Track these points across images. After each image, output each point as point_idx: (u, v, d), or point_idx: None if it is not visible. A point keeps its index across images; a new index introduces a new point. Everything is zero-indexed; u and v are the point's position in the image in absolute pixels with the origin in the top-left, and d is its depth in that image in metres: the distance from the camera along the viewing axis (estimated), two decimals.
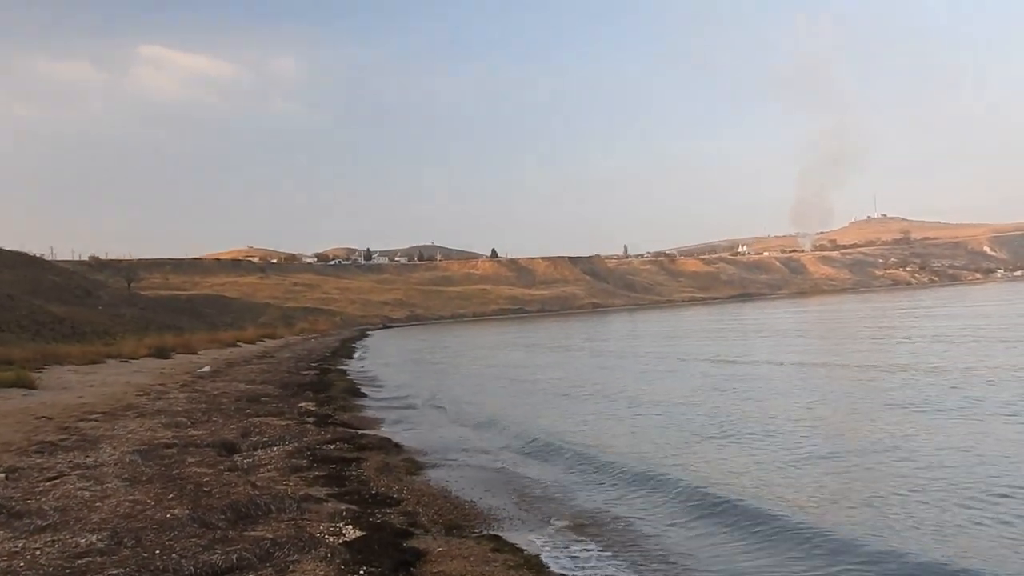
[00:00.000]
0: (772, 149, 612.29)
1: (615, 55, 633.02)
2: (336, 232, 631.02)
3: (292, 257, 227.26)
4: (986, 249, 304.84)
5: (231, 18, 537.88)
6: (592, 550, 9.12)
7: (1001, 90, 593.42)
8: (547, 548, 9.13)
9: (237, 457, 13.16)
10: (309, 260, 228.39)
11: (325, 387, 29.18)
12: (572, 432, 16.93)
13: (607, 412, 19.73)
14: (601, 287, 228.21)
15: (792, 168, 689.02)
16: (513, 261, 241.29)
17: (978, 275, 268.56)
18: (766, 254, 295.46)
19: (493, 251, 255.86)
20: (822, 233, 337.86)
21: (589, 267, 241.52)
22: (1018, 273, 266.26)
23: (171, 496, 9.87)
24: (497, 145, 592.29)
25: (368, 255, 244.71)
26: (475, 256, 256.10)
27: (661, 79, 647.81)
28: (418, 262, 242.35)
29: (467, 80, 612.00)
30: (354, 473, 12.42)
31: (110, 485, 10.44)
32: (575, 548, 9.20)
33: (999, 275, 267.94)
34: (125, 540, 7.99)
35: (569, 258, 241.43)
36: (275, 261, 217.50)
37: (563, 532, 9.84)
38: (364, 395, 27.70)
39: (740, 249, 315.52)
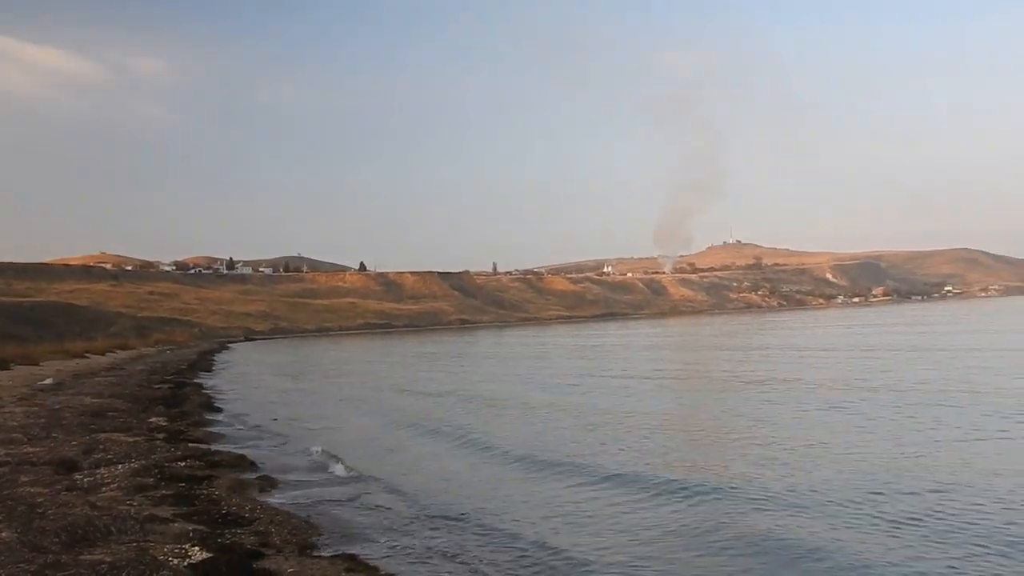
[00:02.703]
0: (639, 172, 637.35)
1: (484, 69, 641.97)
2: (197, 240, 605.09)
3: (148, 264, 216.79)
4: (829, 276, 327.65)
5: (93, 16, 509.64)
6: (449, 570, 9.08)
7: (844, 125, 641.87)
8: (403, 567, 9.04)
9: (77, 476, 12.39)
10: (167, 268, 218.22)
11: (179, 401, 28.02)
12: (434, 455, 16.99)
13: (462, 425, 19.93)
14: (470, 303, 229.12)
15: (658, 192, 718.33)
16: (382, 275, 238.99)
17: (821, 300, 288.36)
18: (630, 275, 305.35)
19: (362, 264, 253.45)
20: (683, 256, 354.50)
21: (458, 283, 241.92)
22: (856, 299, 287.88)
23: None
24: (368, 156, 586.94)
25: (231, 264, 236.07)
26: (343, 269, 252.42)
27: (532, 97, 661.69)
28: (284, 273, 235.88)
29: (330, 83, 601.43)
30: (205, 492, 11.95)
31: None
32: (432, 566, 9.14)
33: (840, 300, 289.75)
34: None
35: (439, 273, 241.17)
36: (130, 268, 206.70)
37: (420, 550, 9.76)
38: (220, 410, 26.81)
39: (606, 269, 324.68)
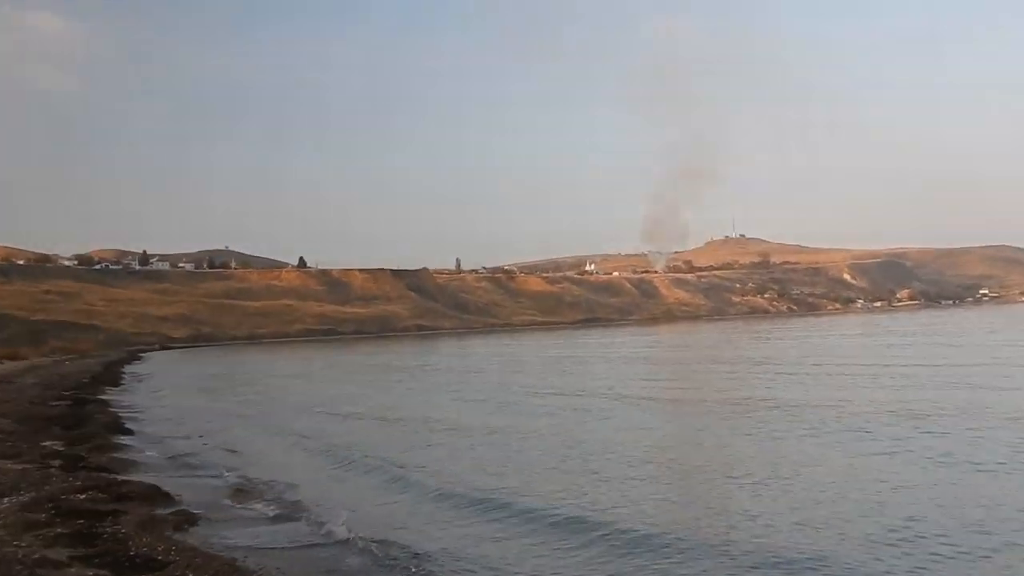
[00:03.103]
0: (626, 159, 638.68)
1: (450, 46, 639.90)
2: (104, 230, 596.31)
3: (45, 258, 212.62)
4: (846, 277, 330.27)
5: None
6: None
7: (865, 112, 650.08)
8: None
9: None
10: (67, 262, 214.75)
11: (80, 422, 27.75)
12: (372, 488, 17.57)
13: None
14: (429, 306, 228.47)
15: (646, 181, 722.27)
16: (325, 272, 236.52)
17: (837, 305, 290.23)
18: (616, 274, 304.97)
19: (301, 260, 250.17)
20: (677, 253, 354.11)
21: (415, 282, 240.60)
22: (877, 304, 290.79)
23: None
24: (311, 135, 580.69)
25: (144, 259, 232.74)
26: (279, 265, 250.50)
27: (503, 71, 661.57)
28: (208, 270, 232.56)
29: (271, 51, 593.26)
30: (109, 530, 11.85)
31: None
32: None
33: (859, 305, 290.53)
34: None
35: (392, 271, 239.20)
36: (22, 262, 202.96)
37: None
38: (130, 432, 26.65)
39: (588, 268, 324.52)
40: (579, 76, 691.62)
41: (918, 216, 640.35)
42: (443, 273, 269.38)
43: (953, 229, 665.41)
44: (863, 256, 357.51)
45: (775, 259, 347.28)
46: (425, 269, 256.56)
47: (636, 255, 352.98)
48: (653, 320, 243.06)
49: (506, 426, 25.65)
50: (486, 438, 23.49)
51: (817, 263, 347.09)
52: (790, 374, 41.13)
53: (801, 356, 56.40)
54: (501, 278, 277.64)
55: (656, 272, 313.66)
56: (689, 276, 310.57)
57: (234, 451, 22.53)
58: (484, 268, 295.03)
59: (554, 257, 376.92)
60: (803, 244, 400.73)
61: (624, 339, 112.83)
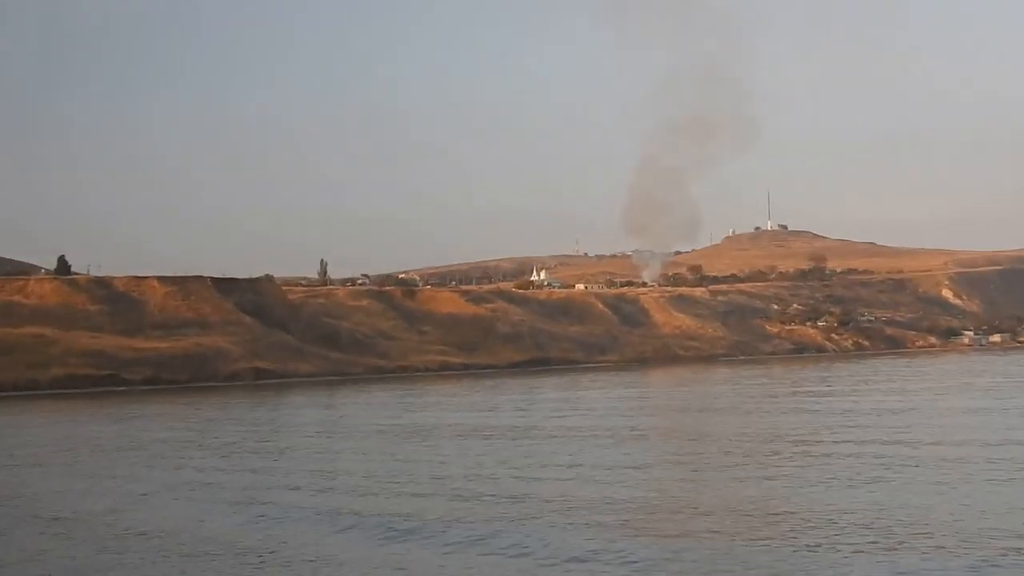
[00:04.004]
0: (599, 101, 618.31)
1: None
2: None
3: None
4: (947, 295, 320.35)
5: None
6: None
7: (977, 35, 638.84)
8: None
9: None
10: None
11: None
12: None
13: None
14: (275, 339, 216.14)
15: (632, 139, 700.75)
16: (102, 283, 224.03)
17: (933, 339, 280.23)
18: (582, 287, 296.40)
19: (62, 261, 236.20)
20: (679, 254, 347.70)
21: (253, 300, 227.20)
22: (996, 338, 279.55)
23: None
24: (80, 75, 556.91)
25: None
26: (26, 271, 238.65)
27: None
28: None
29: None
30: None
31: None
32: None
33: (967, 340, 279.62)
34: None
35: (213, 281, 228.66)
36: None
37: None
38: None
39: (536, 277, 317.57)
40: None
41: None
42: (298, 285, 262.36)
43: None
44: (974, 261, 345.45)
45: (834, 265, 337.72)
46: (268, 278, 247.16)
47: (614, 257, 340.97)
48: (639, 362, 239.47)
49: None
50: None
51: (901, 272, 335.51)
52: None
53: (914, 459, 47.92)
54: (394, 294, 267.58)
55: (645, 285, 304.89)
56: (698, 291, 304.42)
57: None
58: (366, 278, 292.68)
59: (481, 261, 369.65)
60: (878, 242, 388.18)
61: (594, 395, 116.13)
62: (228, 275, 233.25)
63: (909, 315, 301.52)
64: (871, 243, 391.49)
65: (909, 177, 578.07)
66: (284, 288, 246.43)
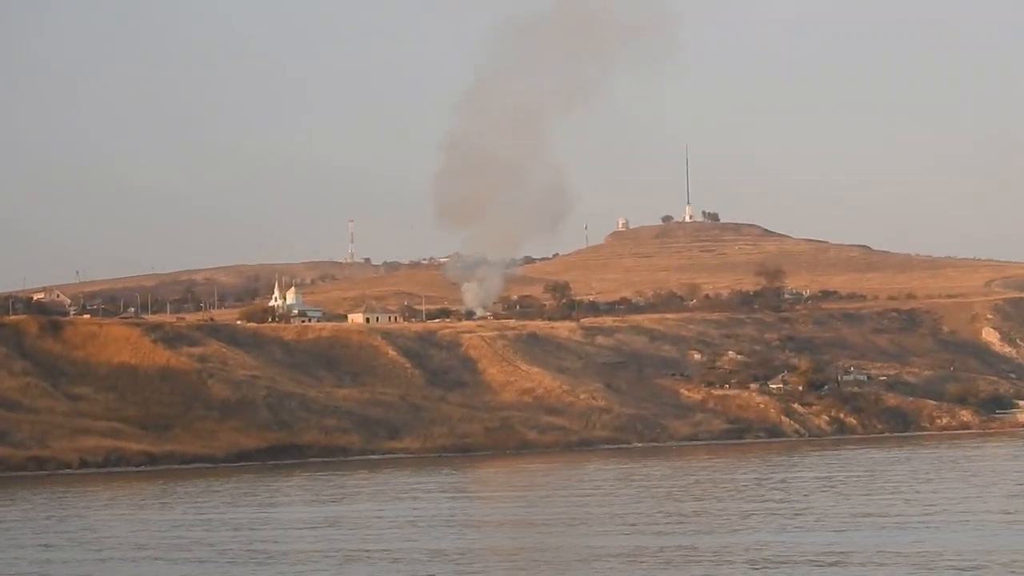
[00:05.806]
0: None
1: None
2: None
3: None
4: (989, 336, 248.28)
5: None
6: None
7: None
8: None
9: None
10: None
11: None
12: None
13: None
14: None
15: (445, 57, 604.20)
16: None
17: (967, 415, 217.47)
18: (358, 319, 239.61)
19: None
20: (529, 262, 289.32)
21: None
22: None
23: None
24: None
25: None
26: None
27: None
28: None
29: None
30: None
31: None
32: None
33: (1019, 414, 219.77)
34: None
35: None
36: None
37: None
38: None
39: (279, 302, 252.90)
40: None
41: None
42: None
43: None
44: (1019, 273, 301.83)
45: (798, 283, 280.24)
46: None
47: (414, 266, 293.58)
48: (461, 450, 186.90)
49: None
50: None
51: (913, 298, 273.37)
52: None
53: None
54: (24, 330, 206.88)
55: (472, 316, 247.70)
56: (564, 328, 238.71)
57: None
58: None
59: (181, 271, 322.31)
60: (874, 246, 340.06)
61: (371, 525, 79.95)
62: None
63: (927, 372, 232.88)
64: (863, 246, 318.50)
65: (924, 130, 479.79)
66: None
